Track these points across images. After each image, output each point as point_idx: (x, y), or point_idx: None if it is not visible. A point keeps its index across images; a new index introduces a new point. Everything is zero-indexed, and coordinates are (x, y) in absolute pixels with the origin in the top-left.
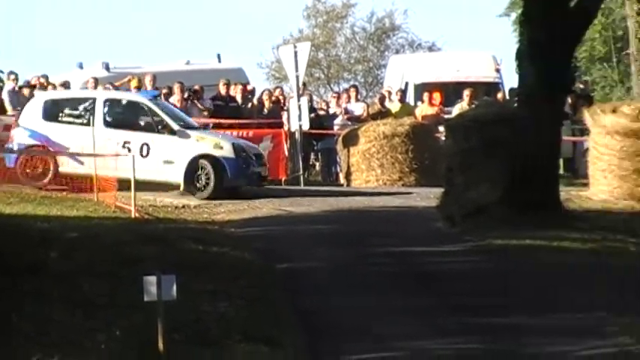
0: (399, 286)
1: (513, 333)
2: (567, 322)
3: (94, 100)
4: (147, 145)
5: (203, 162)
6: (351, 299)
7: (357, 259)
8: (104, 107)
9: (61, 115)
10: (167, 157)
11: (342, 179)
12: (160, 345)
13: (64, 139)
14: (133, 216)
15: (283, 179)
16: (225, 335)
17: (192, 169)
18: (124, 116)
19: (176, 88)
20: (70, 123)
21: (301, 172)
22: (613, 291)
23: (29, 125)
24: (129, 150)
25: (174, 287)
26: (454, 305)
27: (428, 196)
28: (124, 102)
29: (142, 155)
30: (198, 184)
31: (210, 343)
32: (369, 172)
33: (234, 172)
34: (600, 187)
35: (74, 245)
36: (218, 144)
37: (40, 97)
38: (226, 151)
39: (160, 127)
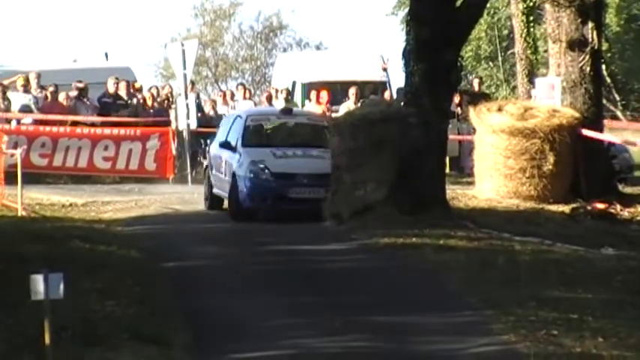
0: (286, 285)
1: (400, 331)
2: (454, 319)
3: None
4: None
5: None
6: (237, 298)
7: (243, 258)
8: None
9: None
10: None
11: None
12: (47, 344)
13: None
14: (19, 214)
15: (171, 177)
16: (112, 334)
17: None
18: None
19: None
20: None
21: (189, 170)
22: (499, 289)
23: None
24: None
25: (62, 286)
26: (339, 303)
27: None
28: None
29: None
30: None
31: (98, 342)
32: None
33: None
34: (486, 186)
35: None
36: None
37: None
38: None
39: None
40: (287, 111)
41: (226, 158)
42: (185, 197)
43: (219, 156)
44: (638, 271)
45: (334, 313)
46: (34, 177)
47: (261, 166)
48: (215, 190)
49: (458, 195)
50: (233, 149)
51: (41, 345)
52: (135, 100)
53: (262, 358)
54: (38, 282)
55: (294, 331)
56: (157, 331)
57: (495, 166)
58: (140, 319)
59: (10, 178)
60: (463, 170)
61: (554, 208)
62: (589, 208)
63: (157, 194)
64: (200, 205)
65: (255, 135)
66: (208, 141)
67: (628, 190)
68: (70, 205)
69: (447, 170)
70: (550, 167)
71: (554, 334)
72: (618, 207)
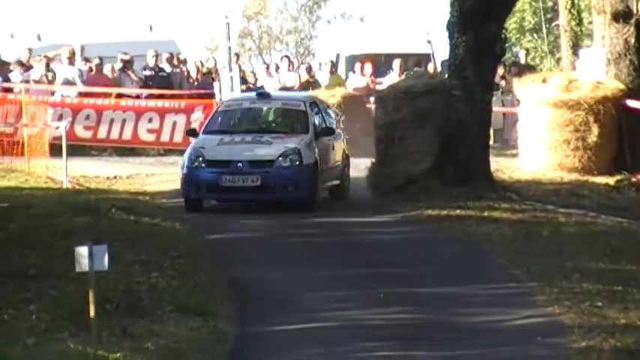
0: (328, 257)
1: (443, 303)
2: (497, 291)
3: None
4: None
5: None
6: (280, 270)
7: (286, 230)
8: None
9: None
10: None
11: None
12: (92, 315)
13: None
14: (64, 186)
15: None
16: (156, 306)
17: None
18: None
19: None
20: None
21: None
22: (542, 260)
23: None
24: None
25: (106, 257)
26: (382, 275)
27: (358, 167)
28: None
29: None
30: None
31: (142, 314)
32: None
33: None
34: (530, 158)
35: (5, 216)
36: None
37: None
38: None
39: None
40: (263, 95)
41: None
42: None
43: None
44: None
45: (377, 284)
46: (79, 149)
47: (198, 153)
48: None
49: (502, 167)
50: (196, 136)
51: (86, 317)
52: (179, 74)
53: (305, 330)
54: (83, 254)
55: (337, 303)
56: (201, 303)
57: (539, 138)
58: (184, 291)
59: (55, 151)
60: (507, 142)
61: (598, 180)
62: (633, 180)
63: None
64: None
65: (221, 121)
66: None
67: None
68: (115, 177)
69: (491, 142)
70: (594, 139)
71: (598, 306)
72: None
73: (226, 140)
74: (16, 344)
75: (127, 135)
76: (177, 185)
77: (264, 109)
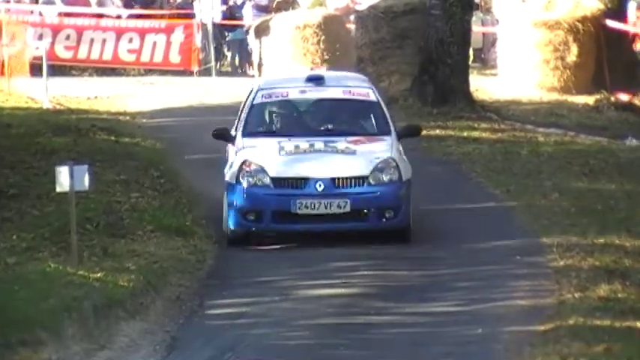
0: None
1: (427, 215)
2: (477, 211)
3: None
4: None
5: None
6: None
7: None
8: None
9: None
10: None
11: (254, 70)
12: (73, 236)
13: None
14: (44, 106)
15: (195, 70)
16: (137, 226)
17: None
18: None
19: None
20: None
21: (213, 63)
22: (522, 180)
23: None
24: None
25: (87, 177)
26: None
27: None
28: None
29: None
30: None
31: (123, 234)
32: (281, 62)
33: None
34: (509, 78)
35: None
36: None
37: None
38: None
39: None
40: (316, 79)
41: (228, 153)
42: (209, 89)
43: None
44: None
45: None
46: (59, 69)
47: (256, 168)
48: None
49: (481, 87)
50: (232, 141)
51: (66, 236)
52: None
53: (283, 249)
54: (63, 174)
55: None
56: (181, 223)
57: (519, 58)
58: (164, 211)
59: (35, 71)
60: (486, 62)
61: (577, 99)
62: (612, 99)
63: (181, 86)
64: (224, 97)
65: (263, 118)
66: (231, 34)
67: None
68: (95, 97)
69: (471, 62)
70: (574, 58)
71: (577, 225)
72: None
73: (288, 148)
74: None
75: (108, 55)
76: (158, 105)
77: (321, 100)
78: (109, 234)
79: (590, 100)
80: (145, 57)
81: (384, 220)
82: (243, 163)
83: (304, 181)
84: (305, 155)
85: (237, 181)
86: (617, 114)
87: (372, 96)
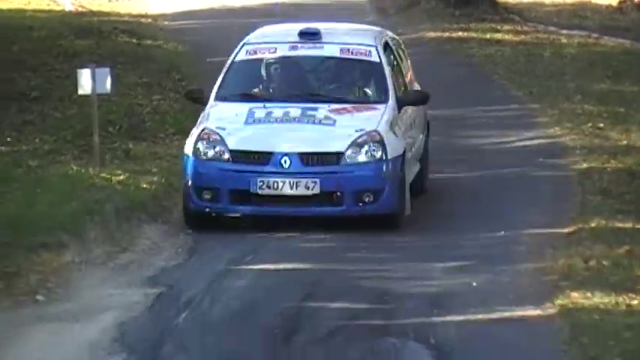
0: None
1: (447, 125)
2: (500, 113)
3: None
4: None
5: None
6: None
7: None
8: None
9: None
10: None
11: None
12: (95, 138)
13: None
14: (66, 9)
15: None
16: (159, 128)
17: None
18: None
19: None
20: None
21: None
22: (545, 82)
23: None
24: None
25: (109, 80)
26: None
27: None
28: None
29: None
30: None
31: (144, 137)
32: None
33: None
34: None
35: (7, 38)
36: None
37: None
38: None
39: None
40: (311, 34)
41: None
42: None
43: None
44: None
45: None
46: None
47: (214, 138)
48: None
49: None
50: (204, 104)
51: (88, 139)
52: None
53: None
54: (85, 76)
55: None
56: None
57: None
58: (186, 114)
59: None
60: None
61: (601, 0)
62: (636, 0)
63: None
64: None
65: (243, 79)
66: None
67: None
68: None
69: None
70: None
71: (600, 127)
72: None
73: (259, 115)
74: (20, 166)
75: None
76: (180, 7)
77: (313, 58)
78: (131, 136)
79: (613, 1)
80: None
81: (360, 204)
82: (202, 131)
83: (268, 155)
84: (274, 125)
85: (195, 154)
86: (637, 14)
87: (375, 55)
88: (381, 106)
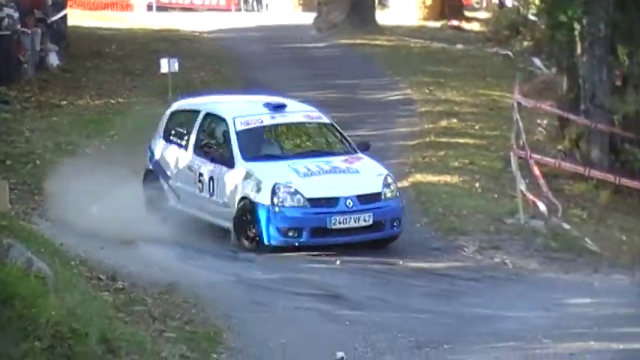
0: (294, 65)
1: (351, 89)
2: (378, 82)
3: None
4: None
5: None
6: (270, 71)
7: (270, 50)
8: None
9: None
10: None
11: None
12: (169, 95)
13: None
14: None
15: (233, 8)
16: (204, 90)
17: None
18: None
19: None
20: None
21: (242, 4)
22: (403, 66)
23: None
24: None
25: (176, 64)
26: (319, 73)
27: (309, 18)
28: None
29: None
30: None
31: (195, 94)
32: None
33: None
34: (397, 12)
35: (123, 42)
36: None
37: None
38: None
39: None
40: (277, 107)
41: (213, 174)
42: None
43: (190, 166)
44: None
45: (318, 78)
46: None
47: (290, 189)
48: (184, 208)
49: (381, 17)
50: (227, 164)
51: (165, 95)
52: None
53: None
54: (164, 63)
55: (300, 86)
56: (227, 87)
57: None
58: (219, 81)
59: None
60: (384, 3)
61: (432, 24)
62: (449, 24)
63: (226, 17)
64: (250, 24)
65: (254, 145)
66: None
67: None
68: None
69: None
70: (430, 2)
71: (431, 90)
72: None
73: (301, 170)
74: (132, 109)
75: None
76: (214, 27)
77: (291, 124)
78: (188, 94)
79: (438, 24)
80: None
81: (394, 228)
82: (275, 186)
83: (335, 200)
84: (322, 176)
85: (273, 203)
86: (451, 32)
87: (325, 118)
88: (362, 155)
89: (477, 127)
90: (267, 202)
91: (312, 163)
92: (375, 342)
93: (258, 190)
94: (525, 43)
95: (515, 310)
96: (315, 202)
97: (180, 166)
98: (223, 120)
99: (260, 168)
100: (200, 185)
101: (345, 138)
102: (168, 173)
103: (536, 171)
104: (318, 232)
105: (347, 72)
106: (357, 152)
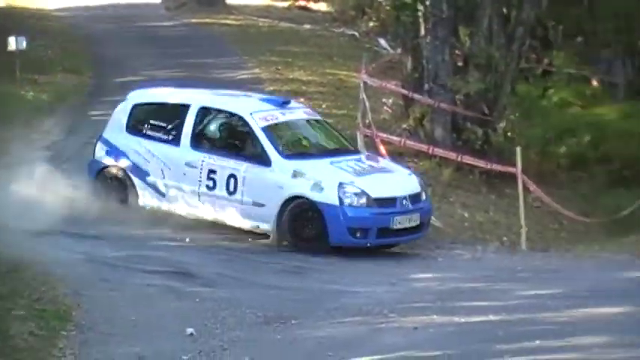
0: (144, 43)
1: (200, 68)
2: (227, 61)
3: None
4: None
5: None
6: (120, 49)
7: (119, 28)
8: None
9: None
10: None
11: None
12: (17, 71)
13: None
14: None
15: None
16: (51, 67)
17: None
18: None
19: None
20: None
21: None
22: (252, 45)
23: None
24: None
25: (25, 42)
26: (171, 53)
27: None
28: None
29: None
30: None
31: (47, 71)
32: None
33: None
34: None
35: None
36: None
37: None
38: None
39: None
40: (285, 103)
41: (235, 172)
42: None
43: (190, 162)
44: None
45: (168, 58)
46: None
47: (355, 189)
48: (171, 207)
49: None
50: (259, 161)
51: (14, 74)
52: None
53: (133, 82)
54: (12, 40)
55: (151, 63)
56: (76, 66)
57: None
58: (68, 60)
59: None
60: None
61: (280, 3)
62: (297, 4)
63: None
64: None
65: (283, 141)
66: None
67: None
68: None
69: None
70: None
71: (279, 69)
72: None
73: (350, 169)
74: None
75: None
76: (65, 3)
77: (298, 121)
78: (37, 71)
79: (285, 4)
80: None
81: (427, 229)
82: (341, 185)
83: (394, 200)
84: (373, 175)
85: (342, 203)
86: (299, 12)
87: (317, 115)
88: (370, 153)
89: (324, 106)
90: (333, 201)
91: (349, 161)
92: (224, 318)
93: (320, 189)
94: (371, 24)
95: (363, 285)
96: (380, 202)
97: (168, 162)
98: (236, 115)
99: (308, 166)
100: (210, 183)
101: (341, 134)
102: (145, 169)
103: (382, 149)
104: (382, 232)
105: (197, 51)
106: (358, 150)
